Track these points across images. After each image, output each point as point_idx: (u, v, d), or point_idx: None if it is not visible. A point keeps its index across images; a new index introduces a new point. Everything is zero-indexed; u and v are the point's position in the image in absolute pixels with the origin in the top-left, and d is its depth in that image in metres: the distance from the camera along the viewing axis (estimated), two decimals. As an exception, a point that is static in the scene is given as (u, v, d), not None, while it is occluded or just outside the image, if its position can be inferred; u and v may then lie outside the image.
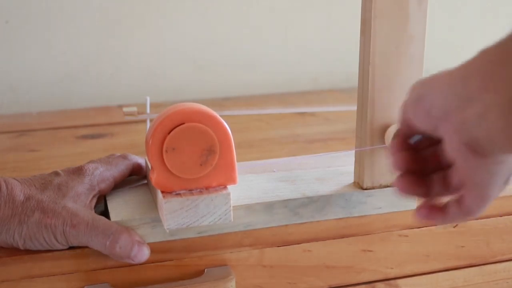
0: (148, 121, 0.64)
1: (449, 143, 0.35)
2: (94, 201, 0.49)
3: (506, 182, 0.37)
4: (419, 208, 0.41)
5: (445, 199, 0.40)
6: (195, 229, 0.49)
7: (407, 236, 0.54)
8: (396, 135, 0.42)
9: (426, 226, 0.54)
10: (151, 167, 0.46)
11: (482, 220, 0.56)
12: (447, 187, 0.40)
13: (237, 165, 0.48)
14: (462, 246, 0.56)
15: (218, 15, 0.99)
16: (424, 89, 0.37)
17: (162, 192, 0.46)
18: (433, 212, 0.41)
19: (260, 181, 0.54)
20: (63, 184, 0.48)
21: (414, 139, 0.41)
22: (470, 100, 0.33)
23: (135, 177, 0.55)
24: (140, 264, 0.47)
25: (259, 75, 1.02)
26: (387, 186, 0.53)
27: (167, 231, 0.46)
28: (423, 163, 0.41)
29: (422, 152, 0.41)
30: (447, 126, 0.35)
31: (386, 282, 0.55)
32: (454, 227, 0.55)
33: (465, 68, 0.34)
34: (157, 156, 0.45)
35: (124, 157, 0.53)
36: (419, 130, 0.39)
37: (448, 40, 1.07)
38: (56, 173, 0.50)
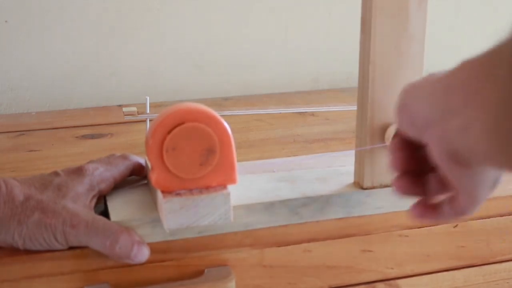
0: (148, 121, 0.64)
1: (433, 152, 0.36)
2: (94, 201, 0.49)
3: (493, 186, 0.37)
4: (413, 207, 0.42)
5: (440, 198, 0.41)
6: (195, 229, 0.49)
7: (407, 236, 0.54)
8: (395, 135, 0.42)
9: (426, 226, 0.54)
10: (151, 167, 0.46)
11: (482, 220, 0.56)
12: (443, 187, 0.40)
13: (237, 165, 0.47)
14: (463, 246, 0.56)
15: (218, 15, 0.99)
16: (408, 98, 0.37)
17: (162, 192, 0.46)
18: (427, 211, 0.41)
19: (260, 181, 0.54)
20: (63, 184, 0.48)
21: None
22: (452, 113, 0.32)
23: (135, 177, 0.55)
24: (140, 264, 0.47)
25: (259, 75, 1.02)
26: (387, 186, 0.52)
27: (167, 231, 0.46)
28: (421, 163, 0.41)
29: (421, 151, 0.41)
30: (430, 136, 0.35)
31: (386, 282, 0.55)
32: (454, 227, 0.55)
33: (447, 79, 0.34)
34: (157, 156, 0.45)
35: (124, 157, 0.53)
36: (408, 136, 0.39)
37: (448, 40, 1.07)
38: (56, 173, 0.50)
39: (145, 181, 0.55)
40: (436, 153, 0.35)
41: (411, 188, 0.41)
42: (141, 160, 0.54)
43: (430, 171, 0.41)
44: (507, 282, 0.58)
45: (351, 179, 0.54)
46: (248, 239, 0.51)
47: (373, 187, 0.52)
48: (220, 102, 0.93)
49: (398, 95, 0.39)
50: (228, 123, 0.46)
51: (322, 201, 0.52)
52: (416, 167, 0.41)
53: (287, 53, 1.03)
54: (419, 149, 0.41)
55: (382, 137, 0.51)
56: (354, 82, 0.57)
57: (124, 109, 0.67)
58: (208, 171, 0.46)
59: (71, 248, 0.47)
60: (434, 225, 0.54)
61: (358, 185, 0.53)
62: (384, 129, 0.51)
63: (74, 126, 0.81)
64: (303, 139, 0.73)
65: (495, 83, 0.29)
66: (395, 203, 0.53)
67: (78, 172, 0.50)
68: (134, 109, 0.66)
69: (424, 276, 0.56)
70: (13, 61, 0.92)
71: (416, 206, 0.41)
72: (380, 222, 0.53)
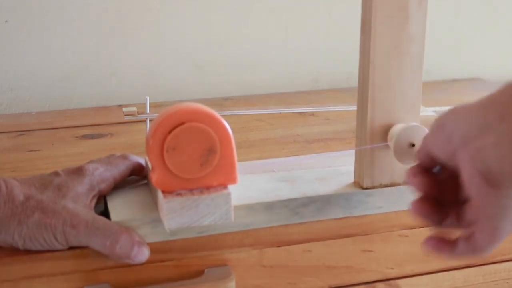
0: (148, 121, 0.64)
1: (464, 171, 0.36)
2: (94, 201, 0.49)
3: None
4: (428, 239, 0.41)
5: (455, 233, 0.40)
6: (196, 229, 0.49)
7: (407, 236, 0.54)
8: (414, 165, 0.42)
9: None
10: (152, 167, 0.46)
11: (482, 220, 0.56)
12: (460, 221, 0.41)
13: (238, 165, 0.47)
14: (462, 246, 0.56)
15: (218, 15, 0.99)
16: (447, 117, 0.38)
17: (163, 192, 0.46)
18: (442, 244, 0.41)
19: (260, 181, 0.54)
20: (63, 184, 0.48)
21: (435, 169, 0.42)
22: (488, 129, 0.33)
23: (135, 177, 0.55)
24: (140, 264, 0.47)
25: (259, 75, 1.02)
26: (387, 186, 0.52)
27: (168, 231, 0.46)
28: (441, 192, 0.41)
29: (441, 182, 0.42)
30: (464, 153, 0.36)
31: (386, 282, 0.55)
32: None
33: (488, 97, 0.35)
34: (158, 156, 0.45)
35: (124, 157, 0.53)
36: (438, 159, 0.39)
37: (448, 40, 1.07)
38: (56, 173, 0.50)
39: (145, 181, 0.55)
40: (468, 171, 0.36)
41: (429, 214, 0.41)
42: (141, 160, 0.54)
43: (449, 203, 0.41)
44: (507, 282, 0.58)
45: (351, 179, 0.54)
46: (248, 239, 0.51)
47: (373, 187, 0.52)
48: (220, 102, 0.93)
49: (433, 120, 0.39)
50: (228, 123, 0.46)
51: (322, 201, 0.52)
52: (436, 194, 0.41)
53: (287, 53, 1.03)
54: (440, 179, 0.41)
55: (382, 137, 0.51)
56: (354, 82, 0.57)
57: (124, 109, 0.67)
58: (208, 171, 0.46)
59: (71, 248, 0.47)
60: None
61: (358, 185, 0.53)
62: (384, 129, 0.51)
63: (74, 126, 0.81)
64: (303, 139, 0.73)
65: None
66: (395, 203, 0.53)
67: (78, 172, 0.50)
68: (134, 109, 0.66)
69: (424, 276, 0.56)
70: (13, 61, 0.92)
71: (431, 238, 0.41)
72: (380, 222, 0.53)
